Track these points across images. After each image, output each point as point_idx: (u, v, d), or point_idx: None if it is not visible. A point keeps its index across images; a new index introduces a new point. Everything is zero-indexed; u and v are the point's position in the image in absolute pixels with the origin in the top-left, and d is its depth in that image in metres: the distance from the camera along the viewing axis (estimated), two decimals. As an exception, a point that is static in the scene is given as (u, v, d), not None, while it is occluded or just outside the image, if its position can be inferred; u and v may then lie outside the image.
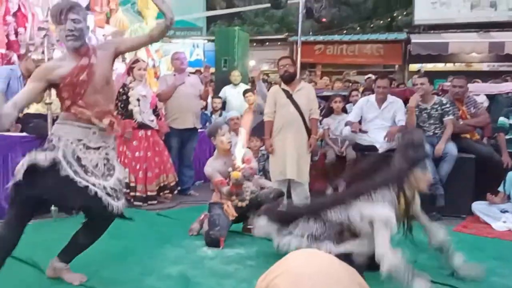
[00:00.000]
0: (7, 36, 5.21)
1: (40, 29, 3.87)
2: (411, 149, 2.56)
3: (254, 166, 3.72)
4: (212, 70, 8.61)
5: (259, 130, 4.88)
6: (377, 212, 2.47)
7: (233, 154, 3.55)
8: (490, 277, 2.87)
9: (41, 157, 2.32)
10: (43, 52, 4.21)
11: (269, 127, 4.50)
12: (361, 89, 7.38)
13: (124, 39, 2.95)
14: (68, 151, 2.42)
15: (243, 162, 3.46)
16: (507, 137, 4.81)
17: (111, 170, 2.52)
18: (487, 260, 3.20)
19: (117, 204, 2.44)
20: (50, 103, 3.92)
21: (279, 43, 14.84)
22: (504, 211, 4.24)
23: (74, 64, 2.44)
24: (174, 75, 5.38)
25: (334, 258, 0.75)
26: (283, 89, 4.49)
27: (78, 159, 2.44)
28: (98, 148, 2.53)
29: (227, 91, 7.25)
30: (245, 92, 6.61)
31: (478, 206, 4.39)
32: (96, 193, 2.38)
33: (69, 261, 2.66)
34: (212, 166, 3.63)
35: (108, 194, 2.41)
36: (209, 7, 16.71)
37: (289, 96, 4.45)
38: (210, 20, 16.94)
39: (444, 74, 10.40)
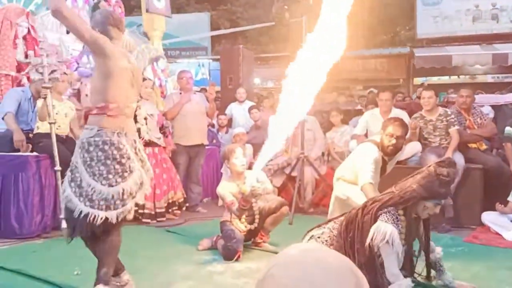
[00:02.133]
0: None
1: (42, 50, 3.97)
2: (438, 182, 2.44)
3: (268, 187, 3.73)
4: (218, 88, 8.71)
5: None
6: (380, 230, 2.44)
7: (246, 176, 3.60)
8: (502, 287, 2.85)
9: None
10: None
11: None
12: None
13: None
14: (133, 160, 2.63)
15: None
16: (514, 146, 4.80)
17: None
18: (499, 270, 3.19)
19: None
20: (54, 123, 3.97)
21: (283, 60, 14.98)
22: (514, 221, 4.21)
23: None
24: (180, 93, 5.46)
25: (331, 251, 0.78)
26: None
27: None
28: None
29: (233, 108, 7.32)
30: (250, 108, 6.67)
31: (488, 217, 4.36)
32: None
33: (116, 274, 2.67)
34: (225, 187, 3.66)
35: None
36: (214, 27, 16.96)
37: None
38: (214, 40, 17.16)
39: (448, 87, 10.43)
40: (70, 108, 4.46)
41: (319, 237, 2.75)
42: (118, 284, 2.64)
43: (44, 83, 3.91)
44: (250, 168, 4.17)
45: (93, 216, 2.39)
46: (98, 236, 2.52)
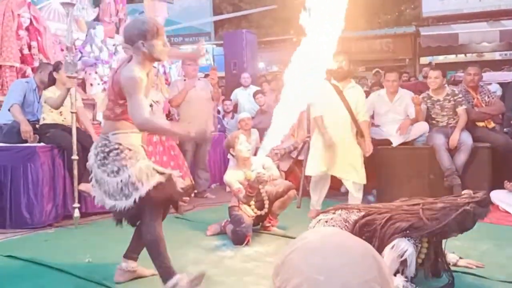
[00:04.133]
0: (21, 50, 5.33)
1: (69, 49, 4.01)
2: (472, 221, 2.37)
3: (274, 173, 3.73)
4: (222, 74, 8.67)
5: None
6: (400, 246, 2.40)
7: (252, 163, 3.60)
8: (510, 265, 2.85)
9: None
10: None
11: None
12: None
13: None
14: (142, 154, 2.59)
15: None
16: (523, 124, 4.76)
17: None
18: (508, 248, 3.19)
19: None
20: (75, 112, 4.03)
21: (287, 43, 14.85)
22: (523, 199, 4.20)
23: None
24: (184, 80, 5.44)
25: (351, 235, 0.77)
26: (334, 84, 4.23)
27: None
28: None
29: (238, 94, 7.31)
30: (255, 93, 6.65)
31: (497, 195, 4.35)
32: None
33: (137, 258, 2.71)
34: (231, 175, 3.67)
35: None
36: (216, 12, 16.80)
37: (340, 92, 4.23)
38: (217, 25, 17.02)
39: (455, 66, 10.31)
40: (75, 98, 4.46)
41: (326, 222, 2.74)
42: (125, 269, 2.67)
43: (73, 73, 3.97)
44: (256, 153, 4.18)
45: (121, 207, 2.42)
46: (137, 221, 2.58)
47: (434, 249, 2.52)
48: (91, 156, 2.51)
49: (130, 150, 2.45)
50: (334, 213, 2.77)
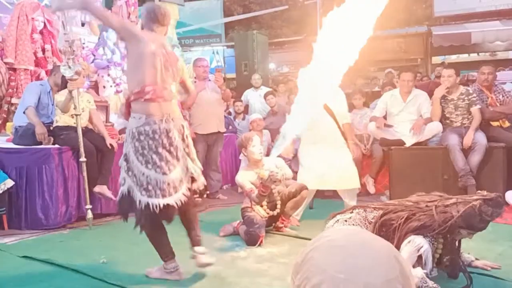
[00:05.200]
0: (35, 53, 5.40)
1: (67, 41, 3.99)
2: (479, 219, 2.36)
3: (287, 172, 3.72)
4: (233, 75, 8.69)
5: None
6: (416, 242, 2.39)
7: (264, 164, 3.58)
8: (528, 266, 2.81)
9: None
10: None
11: None
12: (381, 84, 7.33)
13: None
14: None
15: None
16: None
17: None
18: (525, 249, 3.15)
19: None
20: (79, 114, 4.04)
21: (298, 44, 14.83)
22: (539, 199, 4.14)
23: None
24: (195, 81, 5.46)
25: (373, 235, 0.76)
26: None
27: None
28: None
29: (249, 95, 7.31)
30: (266, 94, 6.64)
31: (512, 195, 4.29)
32: None
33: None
34: (243, 176, 3.67)
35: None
36: (226, 13, 16.84)
37: None
38: (228, 27, 17.05)
39: (468, 65, 10.18)
40: (88, 101, 4.51)
41: (346, 221, 2.72)
42: (167, 270, 2.74)
43: (73, 75, 3.96)
44: (268, 154, 4.17)
45: (153, 205, 2.50)
46: (158, 224, 2.66)
47: (449, 248, 2.50)
48: None
49: None
50: (351, 212, 2.76)
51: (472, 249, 2.90)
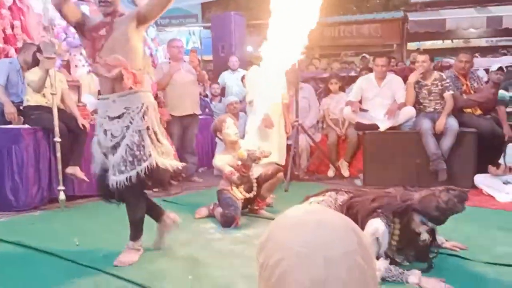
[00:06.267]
0: (4, 30, 5.20)
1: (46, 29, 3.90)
2: (435, 205, 2.39)
3: (264, 149, 3.72)
4: (210, 57, 8.59)
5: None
6: (373, 224, 2.45)
7: (240, 146, 3.58)
8: (495, 247, 2.91)
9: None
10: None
11: None
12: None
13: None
14: (97, 127, 2.71)
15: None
16: (508, 109, 4.82)
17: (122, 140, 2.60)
18: (491, 230, 3.26)
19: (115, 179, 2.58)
20: (55, 94, 3.94)
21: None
22: (506, 183, 4.28)
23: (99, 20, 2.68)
24: (169, 62, 5.37)
25: (331, 211, 0.78)
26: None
27: (105, 132, 2.64)
28: (120, 116, 2.60)
29: (226, 77, 7.25)
30: (243, 77, 6.60)
31: (480, 179, 4.42)
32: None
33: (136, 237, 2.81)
34: (221, 159, 3.66)
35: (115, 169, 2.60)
36: (204, -7, 16.54)
37: None
38: (205, 7, 16.75)
39: (442, 52, 10.35)
40: (60, 80, 4.38)
41: (318, 203, 2.76)
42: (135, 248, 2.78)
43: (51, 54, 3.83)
44: (244, 136, 4.17)
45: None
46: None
47: (407, 232, 2.54)
48: None
49: None
50: (324, 196, 2.80)
51: (441, 230, 2.96)
